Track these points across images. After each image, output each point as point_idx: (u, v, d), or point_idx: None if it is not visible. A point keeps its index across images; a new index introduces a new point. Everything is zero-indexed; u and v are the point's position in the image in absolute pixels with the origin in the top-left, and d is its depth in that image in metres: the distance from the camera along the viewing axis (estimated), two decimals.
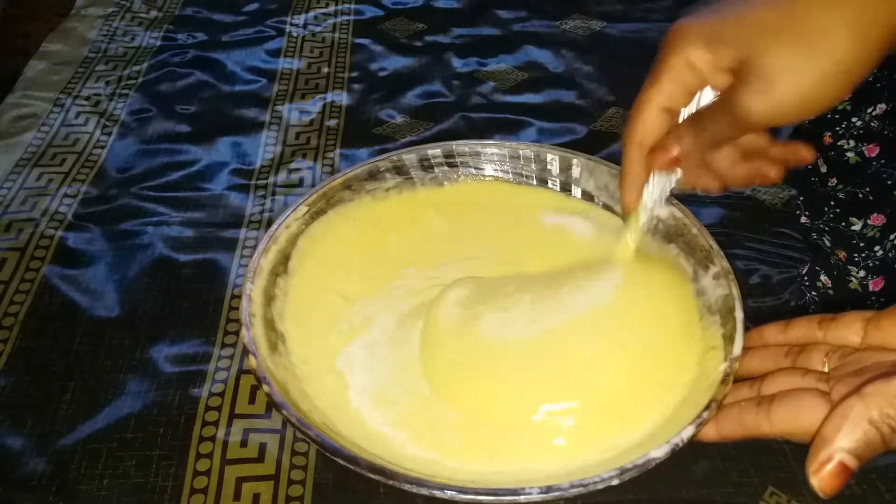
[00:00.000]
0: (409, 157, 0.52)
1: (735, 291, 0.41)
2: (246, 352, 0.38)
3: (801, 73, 0.32)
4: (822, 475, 0.28)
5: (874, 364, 0.33)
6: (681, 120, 0.39)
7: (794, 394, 0.33)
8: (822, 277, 0.55)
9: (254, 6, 0.88)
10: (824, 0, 0.32)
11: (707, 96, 0.38)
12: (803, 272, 0.56)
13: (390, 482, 0.33)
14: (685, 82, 0.37)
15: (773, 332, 0.38)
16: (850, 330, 0.35)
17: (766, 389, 0.36)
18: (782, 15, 0.33)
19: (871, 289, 0.53)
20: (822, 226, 0.57)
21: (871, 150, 0.57)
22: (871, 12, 0.31)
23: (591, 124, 0.71)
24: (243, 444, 0.45)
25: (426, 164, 0.52)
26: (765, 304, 0.53)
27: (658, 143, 0.39)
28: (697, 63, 0.36)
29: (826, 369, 0.35)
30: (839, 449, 0.28)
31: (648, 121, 0.39)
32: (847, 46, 0.32)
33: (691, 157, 0.38)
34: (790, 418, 0.32)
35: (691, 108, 0.39)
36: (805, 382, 0.34)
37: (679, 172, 0.41)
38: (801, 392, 0.33)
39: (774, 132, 0.68)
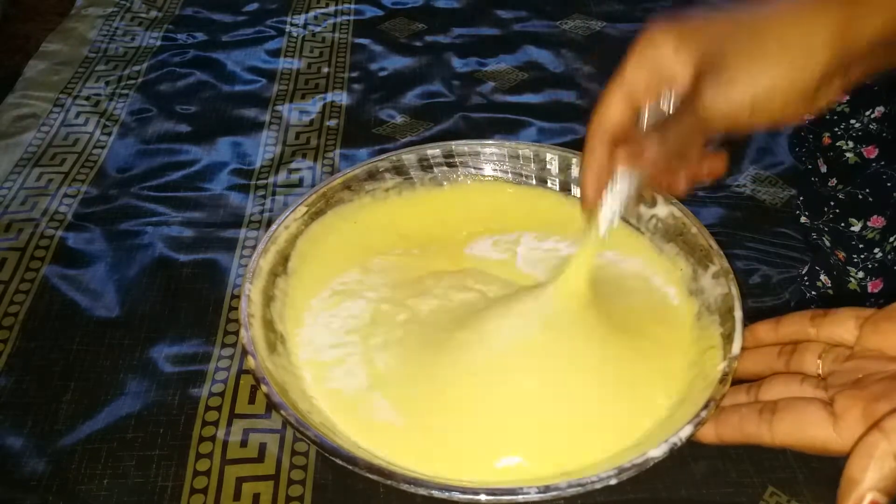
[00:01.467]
0: (409, 157, 0.52)
1: (734, 291, 0.41)
2: (245, 352, 0.38)
3: (755, 77, 0.34)
4: None
5: (874, 374, 0.33)
6: (644, 118, 0.39)
7: (797, 405, 0.33)
8: (822, 277, 0.55)
9: (254, 6, 0.88)
10: (784, 16, 0.34)
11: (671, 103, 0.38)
12: (803, 272, 0.56)
13: (388, 482, 0.33)
14: (650, 77, 0.37)
15: (765, 330, 0.38)
16: (843, 328, 0.35)
17: (764, 395, 0.36)
18: (745, 23, 0.35)
19: (869, 290, 0.53)
20: (821, 226, 0.57)
21: (871, 152, 0.57)
22: (826, 29, 0.33)
23: None
24: (243, 444, 0.45)
25: (426, 165, 0.52)
26: (765, 304, 0.54)
27: (629, 141, 0.39)
28: (664, 60, 0.37)
29: (820, 370, 0.35)
30: (868, 489, 0.28)
31: (613, 112, 0.39)
32: (800, 62, 0.33)
33: (659, 159, 0.38)
34: (793, 431, 0.32)
35: (655, 110, 0.39)
36: (804, 390, 0.34)
37: (641, 174, 0.40)
38: (803, 403, 0.33)
39: (774, 135, 0.68)
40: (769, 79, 0.34)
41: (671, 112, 0.38)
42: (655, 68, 0.37)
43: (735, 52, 0.34)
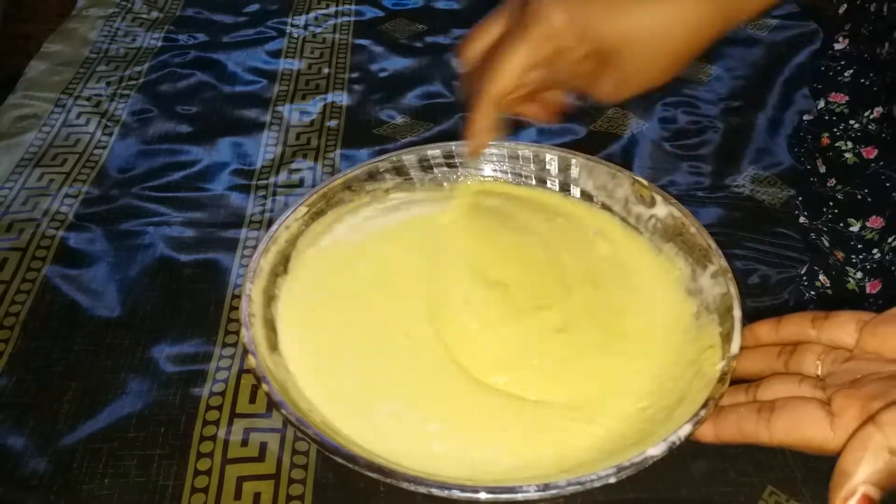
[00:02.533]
0: (409, 157, 0.52)
1: (733, 290, 0.41)
2: (246, 351, 0.39)
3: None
4: None
5: (872, 374, 0.33)
6: None
7: (794, 404, 0.33)
8: (821, 277, 0.55)
9: (254, 7, 0.88)
10: None
11: None
12: (802, 272, 0.56)
13: (389, 480, 0.33)
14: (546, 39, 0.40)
15: (765, 330, 0.38)
16: (843, 330, 0.35)
17: (763, 395, 0.36)
18: None
19: (868, 291, 0.53)
20: (820, 226, 0.58)
21: (870, 153, 0.58)
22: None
23: (591, 125, 0.71)
24: (244, 443, 0.45)
25: (426, 165, 0.52)
26: (763, 303, 0.54)
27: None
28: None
29: (819, 371, 0.35)
30: (861, 482, 0.28)
31: (510, 79, 0.42)
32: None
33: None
34: (790, 430, 0.32)
35: None
36: (802, 390, 0.34)
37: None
38: (800, 402, 0.33)
39: (776, 126, 0.68)
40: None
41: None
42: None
43: None
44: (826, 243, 0.57)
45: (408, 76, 0.78)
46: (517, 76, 0.41)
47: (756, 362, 0.38)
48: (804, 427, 0.32)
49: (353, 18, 0.87)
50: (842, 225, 0.56)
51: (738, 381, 0.38)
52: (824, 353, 0.36)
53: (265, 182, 0.64)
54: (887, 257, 0.53)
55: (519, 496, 0.32)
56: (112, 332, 0.51)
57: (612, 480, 0.33)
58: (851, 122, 0.60)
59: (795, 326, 0.37)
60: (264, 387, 0.37)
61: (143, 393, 0.47)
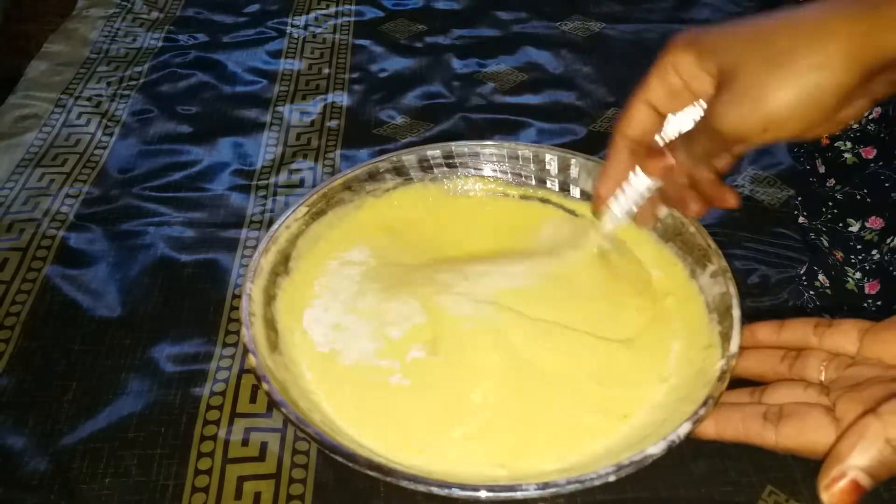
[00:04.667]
0: (409, 157, 0.52)
1: (732, 289, 0.41)
2: (246, 351, 0.39)
3: (767, 92, 0.33)
4: (834, 491, 0.28)
5: (873, 378, 0.33)
6: (666, 126, 0.40)
7: (801, 411, 0.33)
8: (820, 277, 0.56)
9: (255, 7, 0.88)
10: (798, 28, 0.33)
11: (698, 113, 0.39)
12: (801, 272, 0.56)
13: (389, 479, 0.33)
14: (671, 84, 0.38)
15: (766, 333, 0.38)
16: (846, 339, 0.36)
17: (768, 399, 0.36)
18: (763, 34, 0.34)
19: (867, 291, 0.53)
20: (819, 226, 0.58)
21: (869, 153, 0.58)
22: (845, 43, 0.32)
23: (591, 125, 0.71)
24: (244, 443, 0.45)
25: (426, 165, 0.52)
26: (763, 303, 0.54)
27: (654, 149, 0.40)
28: (684, 67, 0.37)
29: (823, 377, 0.35)
30: (853, 467, 0.28)
31: (636, 116, 0.40)
32: (817, 73, 0.32)
33: (681, 169, 0.39)
34: (796, 436, 0.32)
35: (683, 120, 0.40)
36: (807, 396, 0.35)
37: (658, 182, 0.42)
38: (807, 409, 0.33)
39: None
40: (783, 94, 0.32)
41: (693, 125, 0.38)
42: (677, 81, 0.38)
43: (748, 65, 0.34)
44: (825, 243, 0.57)
45: (408, 76, 0.78)
46: (640, 112, 0.40)
47: (760, 363, 0.38)
48: (809, 432, 0.32)
49: (353, 19, 0.87)
50: (841, 225, 0.56)
51: (741, 380, 0.38)
52: (827, 360, 0.36)
53: (265, 182, 0.64)
54: (886, 258, 0.53)
55: (518, 495, 0.32)
56: (112, 332, 0.51)
57: (612, 479, 0.33)
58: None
59: (798, 332, 0.37)
60: (264, 386, 0.37)
61: (143, 393, 0.48)
